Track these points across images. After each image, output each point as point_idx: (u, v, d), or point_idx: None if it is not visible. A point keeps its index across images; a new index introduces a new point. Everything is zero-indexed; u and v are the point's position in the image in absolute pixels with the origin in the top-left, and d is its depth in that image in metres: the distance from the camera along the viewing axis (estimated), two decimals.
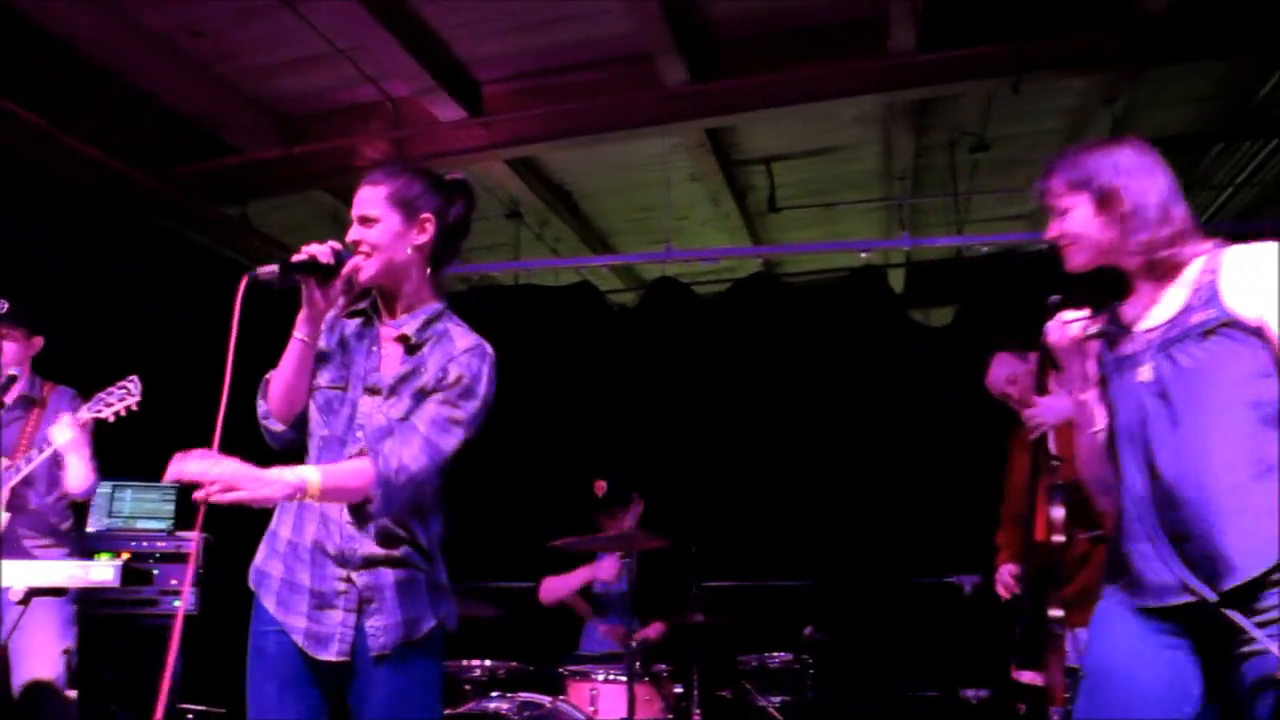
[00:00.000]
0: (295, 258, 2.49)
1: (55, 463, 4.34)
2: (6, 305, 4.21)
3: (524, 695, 4.49)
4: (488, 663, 4.99)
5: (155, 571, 5.38)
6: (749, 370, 6.63)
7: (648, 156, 6.54)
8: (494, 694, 4.54)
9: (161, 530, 5.69)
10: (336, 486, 2.43)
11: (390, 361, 2.62)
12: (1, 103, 5.30)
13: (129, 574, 3.79)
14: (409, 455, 2.46)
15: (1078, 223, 2.42)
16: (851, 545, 6.23)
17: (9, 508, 4.24)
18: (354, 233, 2.61)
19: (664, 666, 4.94)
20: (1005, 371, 4.17)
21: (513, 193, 6.94)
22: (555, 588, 5.56)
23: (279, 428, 2.61)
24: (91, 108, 5.78)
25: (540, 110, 5.76)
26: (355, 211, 2.63)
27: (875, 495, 6.36)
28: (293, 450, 2.63)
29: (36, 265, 6.00)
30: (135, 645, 5.06)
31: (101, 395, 4.22)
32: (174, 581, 5.39)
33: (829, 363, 6.60)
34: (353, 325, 2.68)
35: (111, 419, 4.22)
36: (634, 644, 4.56)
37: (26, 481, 4.30)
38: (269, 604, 2.55)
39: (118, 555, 5.20)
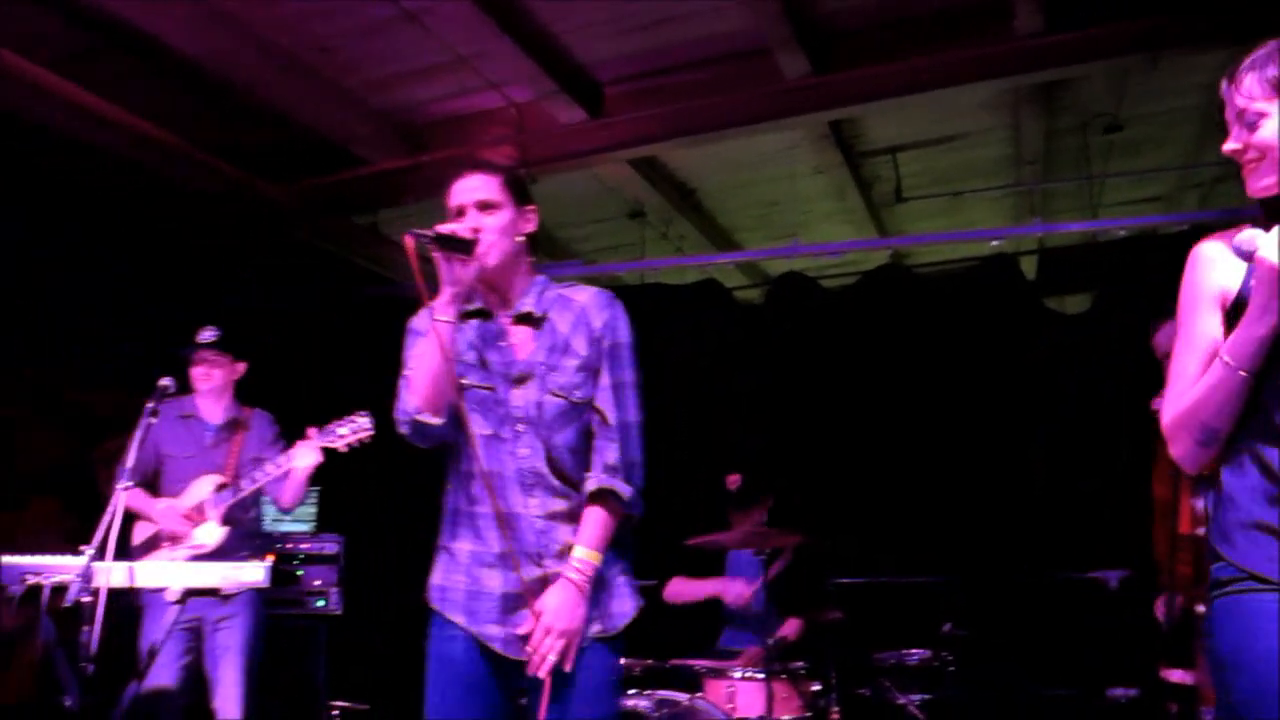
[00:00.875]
0: (439, 228, 2.47)
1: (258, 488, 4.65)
2: (215, 334, 4.56)
3: (661, 693, 4.50)
4: (622, 660, 5.00)
5: (300, 573, 5.55)
6: (879, 364, 6.53)
7: (770, 151, 6.50)
8: (631, 691, 4.56)
9: (304, 532, 5.86)
10: (603, 544, 2.54)
11: (523, 345, 2.63)
12: (139, 123, 5.52)
13: (277, 575, 3.90)
14: (613, 451, 2.58)
15: (1271, 132, 1.95)
16: (990, 540, 6.08)
17: (225, 522, 4.61)
18: (473, 219, 2.57)
19: (801, 664, 4.90)
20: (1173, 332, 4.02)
21: (636, 193, 6.96)
22: (681, 591, 5.52)
23: (436, 421, 2.52)
24: (223, 125, 5.99)
25: (661, 109, 5.77)
26: (471, 197, 2.60)
27: (1014, 489, 6.20)
28: (442, 447, 2.63)
29: (177, 277, 6.25)
30: (282, 644, 5.22)
31: (333, 426, 4.46)
32: (317, 582, 5.54)
33: (961, 354, 6.46)
34: (472, 326, 2.66)
35: (344, 449, 4.45)
36: (770, 641, 4.53)
37: (239, 501, 4.66)
38: (456, 618, 2.56)
39: (263, 557, 5.40)
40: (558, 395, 2.58)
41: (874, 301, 6.66)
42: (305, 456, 4.52)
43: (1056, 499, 6.11)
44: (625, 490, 2.56)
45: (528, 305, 2.65)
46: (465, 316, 2.64)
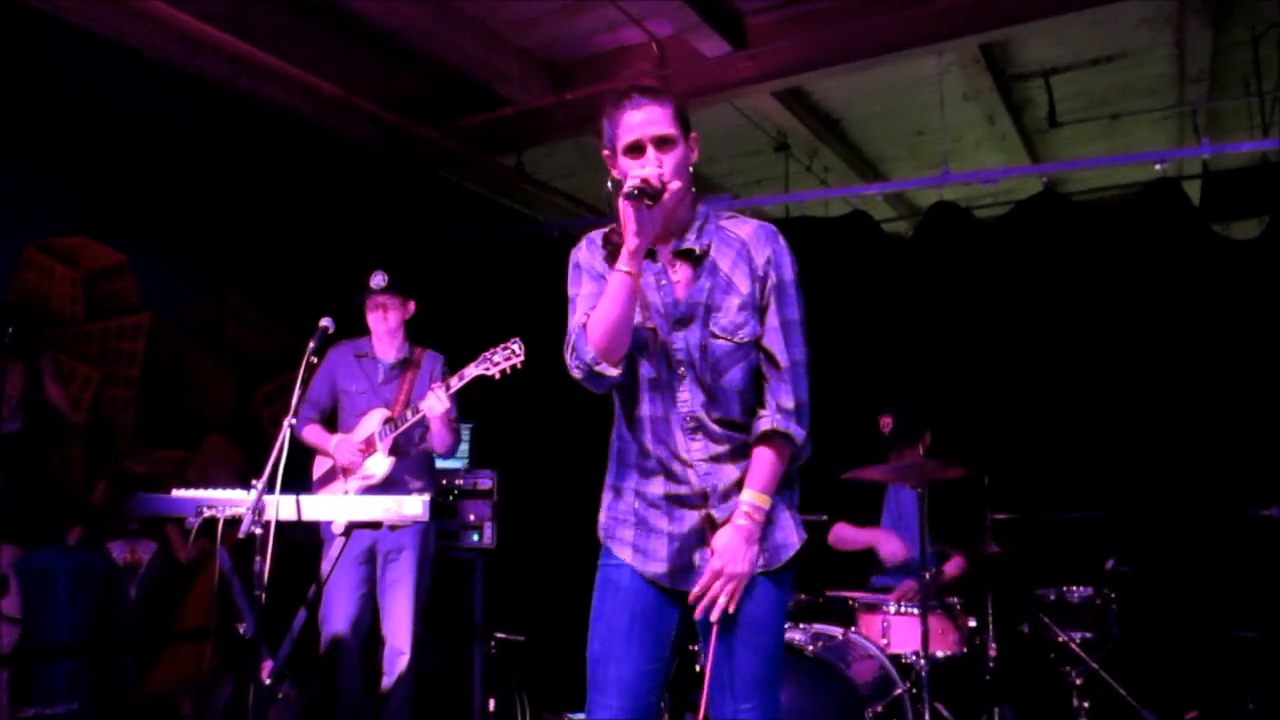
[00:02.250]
0: (630, 185, 2.36)
1: (424, 421, 4.81)
2: (385, 278, 4.74)
3: (816, 626, 4.50)
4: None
5: (455, 508, 5.68)
6: (1036, 295, 6.31)
7: (918, 77, 6.34)
8: (786, 624, 4.56)
9: (459, 468, 6.00)
10: (772, 486, 2.51)
11: (684, 284, 2.55)
12: (294, 72, 5.65)
13: (436, 509, 3.99)
14: (786, 393, 2.53)
15: None
16: (1157, 475, 5.87)
17: (392, 453, 4.83)
18: (654, 158, 2.46)
19: (957, 599, 4.83)
20: None
21: (780, 125, 6.88)
22: (844, 537, 5.50)
23: (613, 372, 2.46)
24: (375, 71, 6.11)
25: (806, 37, 5.66)
26: (648, 132, 2.48)
27: (1181, 423, 5.97)
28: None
29: (334, 224, 6.42)
30: (440, 577, 5.37)
31: (486, 355, 4.58)
32: (472, 517, 5.67)
33: (1123, 285, 6.21)
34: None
35: (497, 376, 4.58)
36: (927, 576, 4.47)
37: (405, 434, 4.85)
38: (624, 554, 2.58)
39: (434, 490, 5.54)
40: (720, 337, 2.51)
41: (1029, 231, 6.43)
42: (435, 403, 4.63)
43: (1227, 434, 5.86)
44: (798, 433, 2.52)
45: (689, 241, 2.55)
46: (615, 251, 2.57)
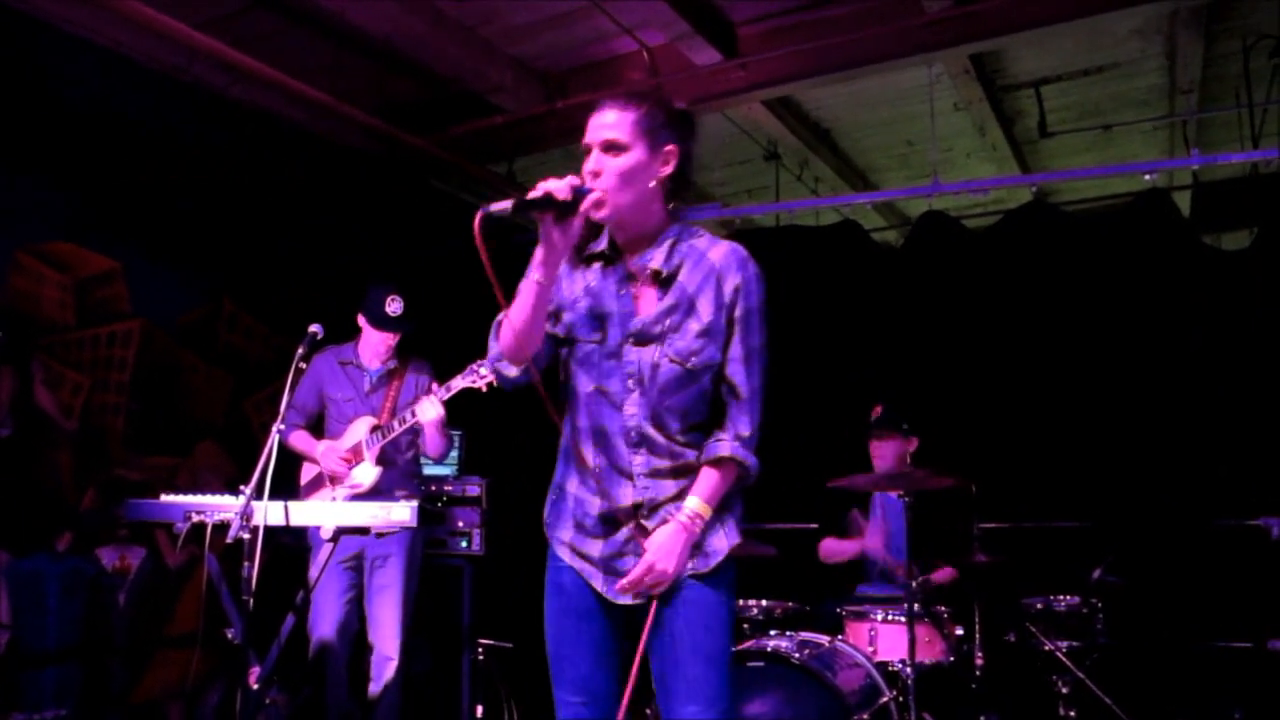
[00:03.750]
0: (531, 194, 2.33)
1: (414, 428, 4.88)
2: (402, 307, 4.79)
3: (803, 634, 4.50)
4: (764, 602, 5.03)
5: (444, 514, 5.69)
6: (1025, 305, 6.33)
7: (909, 88, 6.36)
8: (773, 633, 4.58)
9: (447, 475, 6.01)
10: (715, 501, 2.53)
11: (647, 301, 2.54)
12: (286, 80, 5.67)
13: (424, 515, 4.00)
14: (745, 422, 2.55)
15: None
16: (1143, 486, 5.89)
17: (379, 463, 4.87)
18: (595, 161, 2.45)
19: (945, 608, 4.85)
20: None
21: (771, 134, 6.90)
22: (833, 550, 5.54)
23: (513, 371, 2.53)
24: (367, 79, 6.12)
25: (797, 47, 5.68)
26: (597, 136, 2.47)
27: (1166, 433, 5.98)
28: (521, 392, 2.60)
29: (326, 231, 6.43)
30: (428, 584, 5.38)
31: (473, 366, 4.63)
32: (461, 524, 5.68)
33: (1112, 295, 6.23)
34: (594, 270, 2.59)
35: (484, 389, 4.61)
36: (914, 584, 4.48)
37: (393, 442, 4.90)
38: (563, 554, 2.62)
39: (421, 498, 5.55)
40: (674, 361, 2.50)
41: (1019, 241, 6.45)
42: (427, 411, 4.67)
43: (1215, 445, 5.88)
44: (753, 463, 2.55)
45: (657, 261, 2.53)
46: (587, 259, 2.61)
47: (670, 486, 2.53)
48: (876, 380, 6.38)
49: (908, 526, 4.56)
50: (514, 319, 2.45)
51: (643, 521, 2.53)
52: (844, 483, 4.83)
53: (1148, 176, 6.19)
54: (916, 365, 6.46)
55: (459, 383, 4.65)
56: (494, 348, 2.55)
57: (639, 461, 2.52)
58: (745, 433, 2.54)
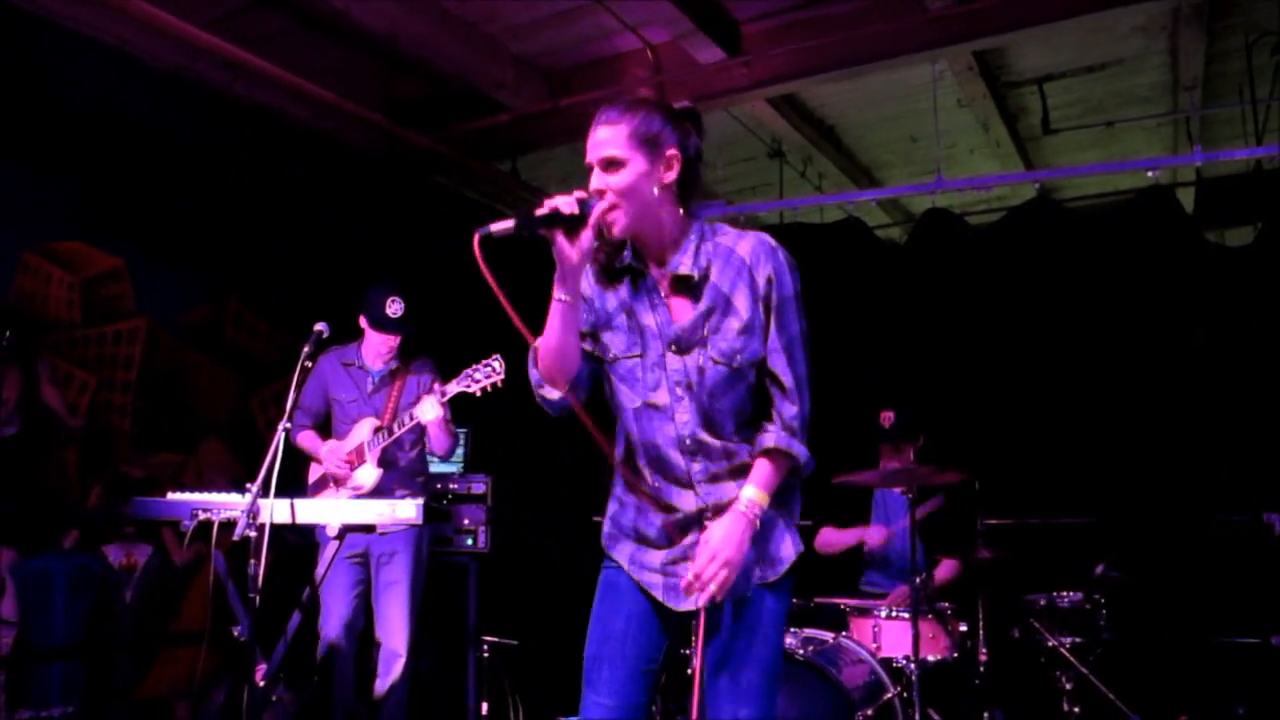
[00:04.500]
0: (537, 211, 2.31)
1: (417, 428, 4.87)
2: (403, 308, 4.80)
3: (808, 630, 4.51)
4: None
5: (449, 512, 5.71)
6: (1028, 301, 6.34)
7: (912, 85, 6.37)
8: None
9: (453, 472, 6.02)
10: (772, 490, 2.49)
11: (681, 308, 2.53)
12: (291, 78, 5.68)
13: (429, 512, 4.02)
14: (792, 412, 2.51)
15: None
16: (1145, 481, 5.90)
17: (380, 464, 4.86)
18: (598, 180, 2.43)
19: (948, 604, 4.86)
20: None
21: (775, 131, 6.90)
22: (830, 540, 5.54)
23: (555, 395, 2.52)
24: (371, 77, 6.14)
25: (800, 45, 5.68)
26: (595, 155, 2.45)
27: (1169, 429, 5.99)
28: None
29: (331, 229, 6.45)
30: (433, 581, 5.40)
31: (468, 371, 4.63)
32: (467, 521, 5.69)
33: (1116, 291, 6.23)
34: (624, 286, 2.57)
35: (478, 394, 4.60)
36: (918, 581, 4.49)
37: (396, 442, 4.89)
38: (622, 561, 2.61)
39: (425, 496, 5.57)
40: (719, 362, 2.48)
41: (1022, 238, 6.46)
42: (429, 410, 4.66)
43: (1218, 440, 5.89)
44: (802, 452, 2.51)
45: (685, 266, 2.51)
46: (615, 275, 2.58)
47: (732, 489, 2.50)
48: (881, 376, 6.39)
49: (911, 522, 4.57)
50: (546, 342, 2.44)
51: (708, 524, 2.51)
52: (849, 479, 4.84)
53: (1151, 173, 6.20)
54: (920, 361, 6.46)
55: (454, 388, 4.66)
56: (534, 374, 2.53)
57: (697, 469, 2.51)
58: (793, 422, 2.51)
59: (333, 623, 4.77)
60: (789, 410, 2.52)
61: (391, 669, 4.77)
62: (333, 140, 6.34)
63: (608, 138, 2.44)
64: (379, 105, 6.28)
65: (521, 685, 5.73)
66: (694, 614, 2.51)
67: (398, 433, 4.79)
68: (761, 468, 2.49)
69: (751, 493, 2.45)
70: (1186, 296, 6.12)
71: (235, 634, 3.91)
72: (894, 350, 6.57)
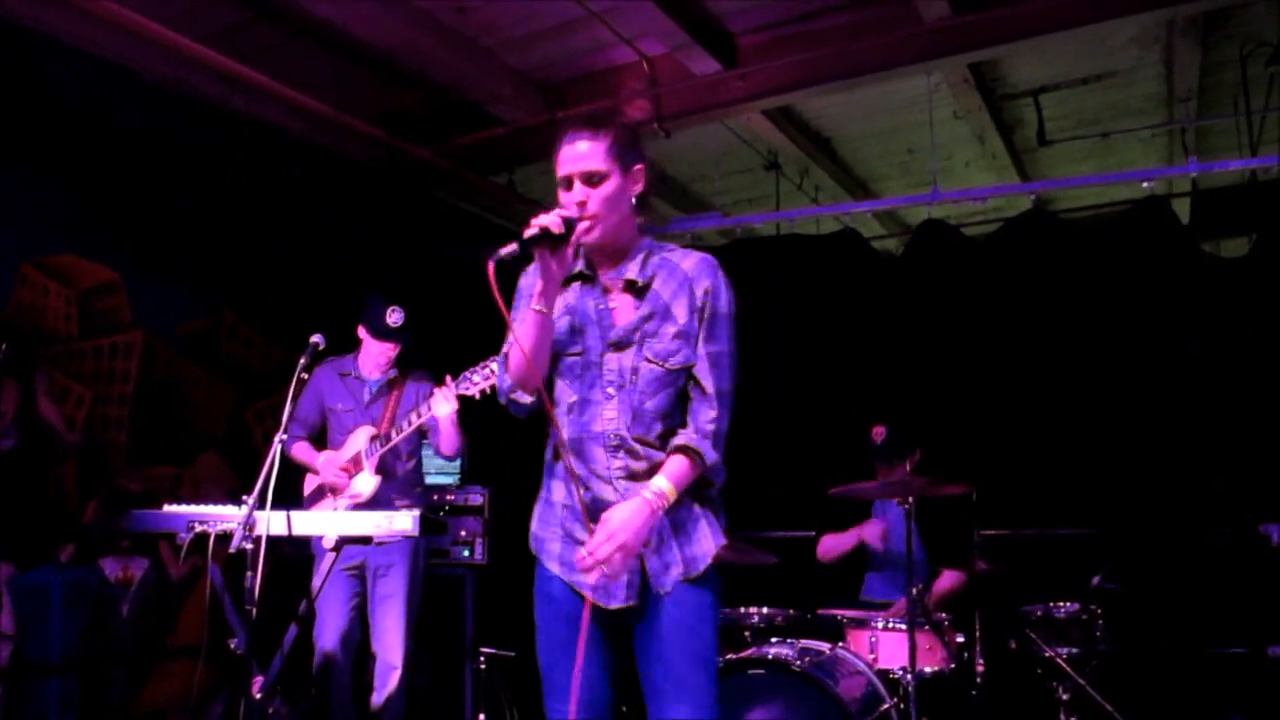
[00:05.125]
0: (528, 232, 2.43)
1: (419, 433, 4.87)
2: (403, 318, 4.79)
3: (804, 641, 4.51)
4: (765, 610, 5.04)
5: (446, 523, 5.70)
6: (1025, 312, 6.35)
7: (908, 97, 6.39)
8: (774, 640, 4.59)
9: (450, 484, 6.02)
10: (681, 484, 2.54)
11: (624, 311, 2.64)
12: (287, 92, 5.70)
13: (426, 524, 4.01)
14: (709, 417, 2.59)
15: None
16: (1141, 492, 5.90)
17: (378, 472, 4.83)
18: (579, 192, 2.54)
19: (945, 615, 4.85)
20: None
21: (771, 143, 6.92)
22: (831, 546, 5.55)
23: (526, 399, 2.63)
24: (367, 90, 6.15)
25: (796, 57, 5.70)
26: (576, 167, 2.55)
27: (1165, 440, 6.00)
28: (535, 417, 2.69)
29: (328, 242, 6.46)
30: (430, 593, 5.39)
31: (466, 374, 4.62)
32: (463, 533, 5.69)
33: (1111, 302, 6.25)
34: (573, 289, 2.67)
35: (478, 396, 4.58)
36: (915, 592, 4.49)
37: (393, 451, 4.86)
38: (552, 566, 2.66)
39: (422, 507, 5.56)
40: (653, 362, 2.58)
41: (1018, 249, 6.47)
42: (442, 405, 4.64)
43: (1214, 452, 5.89)
44: (711, 455, 2.58)
45: (631, 272, 2.63)
46: (568, 280, 2.66)
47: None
48: (877, 388, 6.40)
49: (908, 534, 4.57)
50: (524, 349, 2.53)
51: None
52: (846, 490, 4.84)
53: (1146, 184, 6.22)
54: (917, 373, 6.47)
55: (469, 383, 4.64)
56: (505, 380, 2.65)
57: (617, 466, 2.58)
58: (707, 427, 2.59)
59: (329, 635, 4.76)
60: (706, 415, 2.60)
61: (388, 682, 4.76)
62: (330, 153, 6.35)
63: (588, 151, 2.55)
64: (376, 118, 6.29)
65: (519, 697, 5.71)
66: (624, 611, 2.57)
67: (396, 439, 4.78)
68: (672, 463, 2.56)
69: (660, 483, 2.51)
70: (1182, 307, 6.13)
71: (232, 647, 3.90)
72: (890, 361, 6.57)
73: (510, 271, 2.56)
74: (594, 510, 2.57)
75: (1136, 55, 6.02)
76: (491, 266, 2.36)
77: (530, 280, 2.66)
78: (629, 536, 2.44)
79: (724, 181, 7.58)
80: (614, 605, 2.57)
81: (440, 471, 6.33)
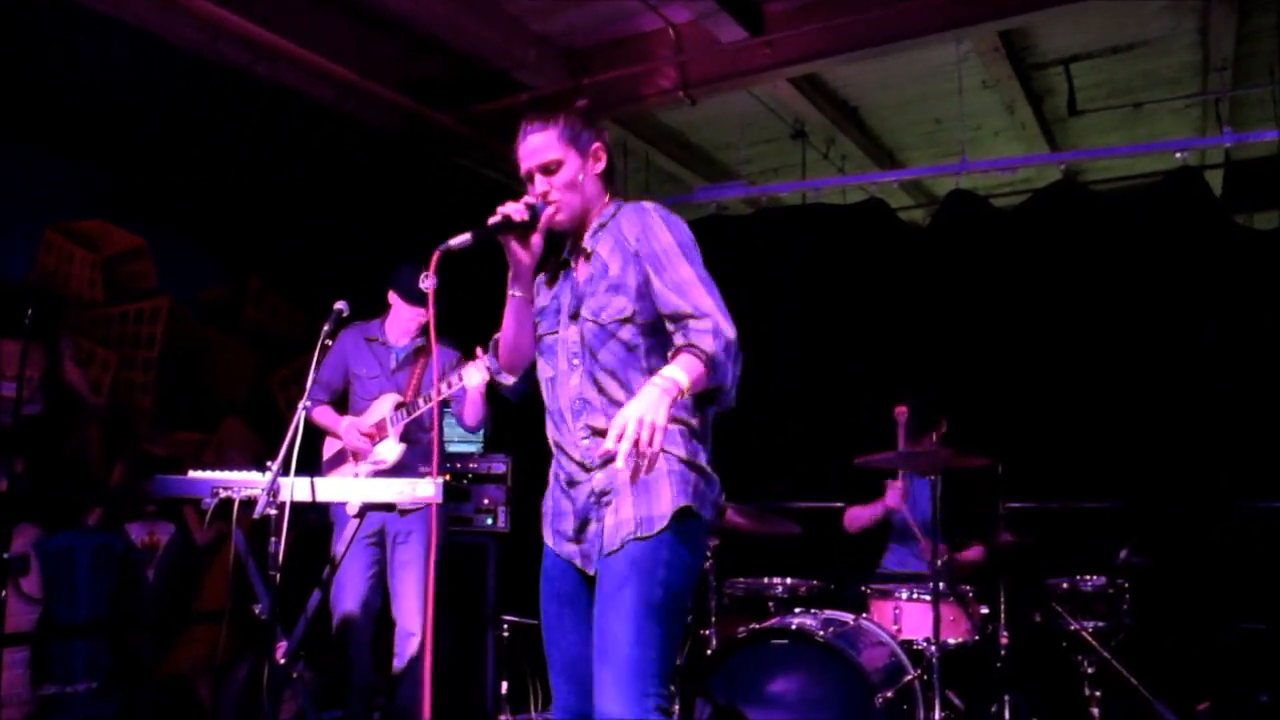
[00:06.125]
0: (490, 220, 2.55)
1: (442, 402, 4.79)
2: (435, 284, 4.73)
3: (828, 612, 4.50)
4: (789, 581, 5.03)
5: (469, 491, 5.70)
6: (1053, 284, 6.28)
7: (937, 65, 6.32)
8: (797, 610, 4.58)
9: (472, 452, 6.02)
10: (692, 375, 2.38)
11: (579, 283, 2.69)
12: (312, 58, 5.67)
13: (450, 491, 4.02)
14: (703, 326, 2.45)
15: None
16: (1170, 466, 5.85)
17: (403, 439, 4.83)
18: (541, 184, 2.63)
19: (970, 587, 4.83)
20: None
21: (797, 112, 6.86)
22: (857, 516, 5.52)
23: (509, 381, 2.79)
24: (392, 57, 6.12)
25: (824, 24, 5.64)
26: (530, 163, 2.64)
27: (1194, 414, 5.94)
28: (527, 400, 2.82)
29: (352, 208, 6.44)
30: (453, 561, 5.40)
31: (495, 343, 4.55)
32: (486, 501, 5.69)
33: (1142, 275, 6.17)
34: (561, 274, 2.75)
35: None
36: (940, 562, 4.46)
37: (417, 419, 4.85)
38: (548, 539, 2.74)
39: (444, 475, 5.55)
40: (591, 320, 2.61)
41: (1047, 220, 6.39)
42: (474, 375, 4.62)
43: (1245, 425, 5.83)
44: (709, 345, 2.42)
45: (586, 242, 2.70)
46: (563, 265, 2.75)
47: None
48: (902, 359, 6.36)
49: (934, 506, 4.54)
50: (505, 331, 2.74)
51: (593, 486, 2.57)
52: (872, 461, 4.81)
53: (1178, 155, 6.13)
54: (943, 344, 6.42)
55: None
56: (493, 363, 2.84)
57: (579, 427, 2.61)
58: (700, 328, 2.46)
59: (349, 602, 4.78)
60: (696, 325, 2.47)
61: (407, 648, 4.78)
62: (353, 119, 6.33)
63: (541, 144, 2.63)
64: (399, 85, 6.26)
65: (540, 665, 5.71)
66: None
67: (424, 408, 4.78)
68: (679, 357, 2.44)
69: (670, 369, 2.39)
70: (1213, 280, 6.05)
71: (256, 612, 3.92)
72: (917, 332, 6.52)
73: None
74: (569, 480, 2.64)
75: (1170, 23, 5.93)
76: (436, 256, 2.55)
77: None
78: (649, 413, 2.25)
79: (749, 150, 7.52)
80: (591, 571, 2.59)
81: (463, 440, 6.32)
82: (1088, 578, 4.98)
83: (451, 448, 6.12)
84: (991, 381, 6.26)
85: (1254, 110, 6.84)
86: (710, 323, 2.46)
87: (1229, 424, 5.84)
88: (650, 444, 2.24)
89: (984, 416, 5.93)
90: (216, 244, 5.85)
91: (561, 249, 2.76)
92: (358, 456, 4.88)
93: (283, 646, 4.04)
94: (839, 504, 5.55)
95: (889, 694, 4.02)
